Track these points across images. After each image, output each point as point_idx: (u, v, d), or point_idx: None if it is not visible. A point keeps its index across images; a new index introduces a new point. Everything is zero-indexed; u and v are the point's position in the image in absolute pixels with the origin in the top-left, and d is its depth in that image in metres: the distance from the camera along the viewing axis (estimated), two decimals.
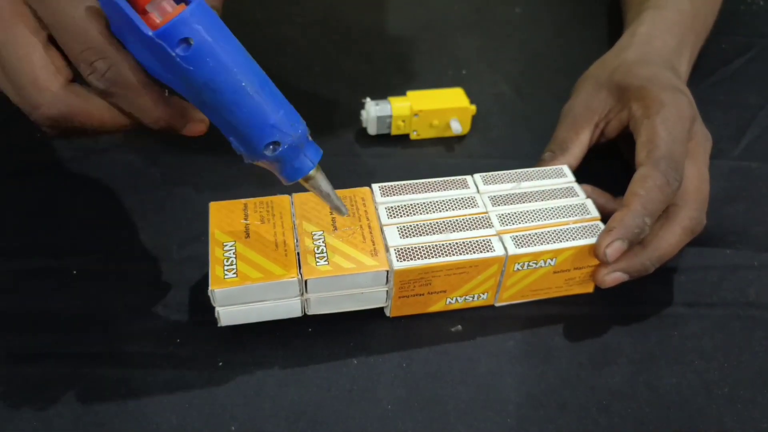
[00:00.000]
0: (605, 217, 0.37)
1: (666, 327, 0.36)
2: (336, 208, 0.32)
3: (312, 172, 0.31)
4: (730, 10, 0.55)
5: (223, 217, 0.35)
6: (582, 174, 0.40)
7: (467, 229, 0.35)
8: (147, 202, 0.41)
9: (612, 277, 0.35)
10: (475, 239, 0.34)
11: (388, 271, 0.33)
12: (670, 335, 0.36)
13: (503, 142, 0.47)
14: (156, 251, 0.39)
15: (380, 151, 0.46)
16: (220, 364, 0.34)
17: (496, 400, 0.33)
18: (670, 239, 0.36)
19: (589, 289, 0.37)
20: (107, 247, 0.39)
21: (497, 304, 0.36)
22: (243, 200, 0.36)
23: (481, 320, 0.36)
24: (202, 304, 0.35)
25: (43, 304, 0.36)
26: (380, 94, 0.47)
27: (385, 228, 0.35)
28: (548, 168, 0.39)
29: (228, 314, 0.33)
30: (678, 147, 0.36)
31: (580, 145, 0.40)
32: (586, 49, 0.53)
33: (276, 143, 0.29)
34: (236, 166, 0.45)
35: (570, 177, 0.38)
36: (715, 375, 0.34)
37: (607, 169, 0.41)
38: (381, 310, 0.36)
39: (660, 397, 0.33)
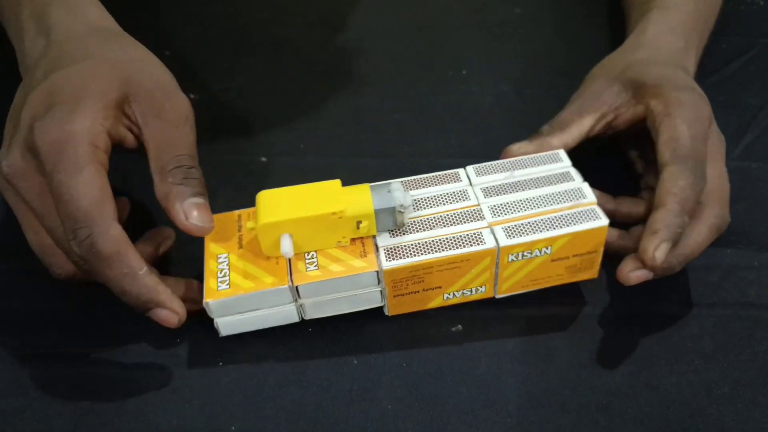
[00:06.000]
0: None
1: (666, 327, 0.36)
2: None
3: None
4: (730, 10, 0.55)
5: (218, 228, 0.35)
6: (582, 174, 0.39)
7: (459, 224, 0.34)
8: (147, 202, 0.41)
9: (637, 275, 0.34)
10: (466, 233, 0.34)
11: (378, 272, 0.33)
12: (670, 335, 0.36)
13: (503, 142, 0.47)
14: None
15: (382, 151, 0.46)
16: (220, 364, 0.34)
17: (497, 400, 0.33)
18: (697, 238, 0.35)
19: (594, 274, 0.36)
20: None
21: (498, 296, 0.36)
22: (237, 211, 0.36)
23: (481, 320, 0.36)
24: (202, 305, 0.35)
25: (43, 304, 0.36)
26: (380, 94, 0.47)
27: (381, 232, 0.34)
28: (543, 154, 0.38)
29: (227, 324, 0.33)
30: (700, 146, 0.35)
31: (579, 127, 0.39)
32: (587, 50, 0.53)
33: None
34: (235, 166, 0.45)
35: (566, 161, 0.37)
36: (716, 375, 0.34)
37: (606, 169, 0.41)
38: (380, 309, 0.36)
39: (660, 396, 0.33)
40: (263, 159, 0.45)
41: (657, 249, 0.33)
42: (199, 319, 0.35)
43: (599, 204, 0.37)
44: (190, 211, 0.31)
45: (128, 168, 0.44)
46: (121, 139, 0.33)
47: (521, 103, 0.50)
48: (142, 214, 0.41)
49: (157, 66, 0.35)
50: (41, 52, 0.34)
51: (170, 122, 0.33)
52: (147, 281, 0.31)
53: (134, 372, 0.33)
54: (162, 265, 0.38)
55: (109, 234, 0.30)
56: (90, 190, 0.30)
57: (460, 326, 0.36)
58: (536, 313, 0.36)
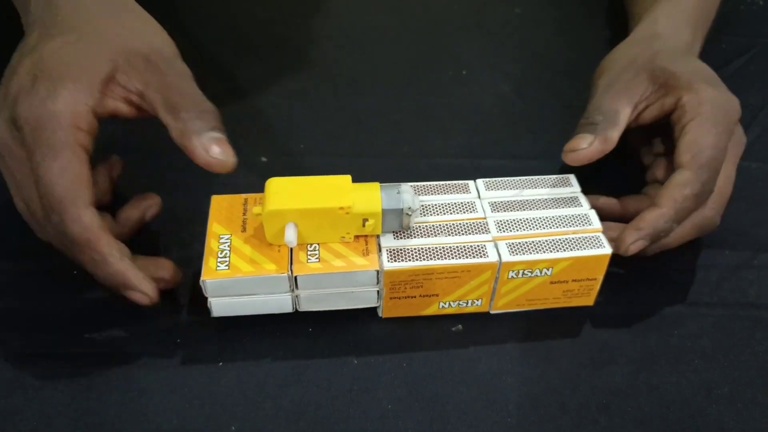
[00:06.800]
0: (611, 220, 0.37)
1: (666, 327, 0.36)
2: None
3: None
4: (730, 10, 0.55)
5: (223, 210, 0.35)
6: (586, 173, 0.39)
7: (463, 234, 0.34)
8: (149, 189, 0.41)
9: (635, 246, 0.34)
10: (469, 244, 0.34)
11: (378, 271, 0.33)
12: (670, 335, 0.36)
13: (504, 142, 0.47)
14: (156, 251, 0.39)
15: (382, 151, 0.46)
16: (221, 364, 0.34)
17: (497, 400, 0.33)
18: (680, 231, 0.36)
19: (590, 302, 0.37)
20: None
21: (492, 312, 0.36)
22: (244, 195, 0.36)
23: (481, 320, 0.36)
24: (202, 304, 0.35)
25: (43, 304, 0.36)
26: (380, 94, 0.47)
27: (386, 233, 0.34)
28: (554, 177, 0.38)
29: (220, 305, 0.34)
30: (720, 155, 0.35)
31: (625, 118, 0.37)
32: (587, 50, 0.53)
33: None
34: (238, 166, 0.45)
35: (576, 187, 0.38)
36: (715, 375, 0.34)
37: (613, 169, 0.41)
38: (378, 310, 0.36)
39: (660, 396, 0.33)
40: (263, 159, 0.45)
41: (634, 243, 0.34)
42: (198, 319, 0.35)
43: (605, 208, 0.37)
44: (210, 146, 0.31)
45: (136, 165, 0.45)
46: (114, 112, 0.33)
47: (521, 103, 0.50)
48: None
49: (156, 33, 0.35)
50: (41, 11, 0.34)
51: (174, 77, 0.33)
52: (117, 267, 0.31)
53: (134, 372, 0.33)
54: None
55: (81, 221, 0.30)
56: (65, 176, 0.30)
57: (460, 326, 0.36)
58: (536, 312, 0.36)
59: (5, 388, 0.32)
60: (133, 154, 0.45)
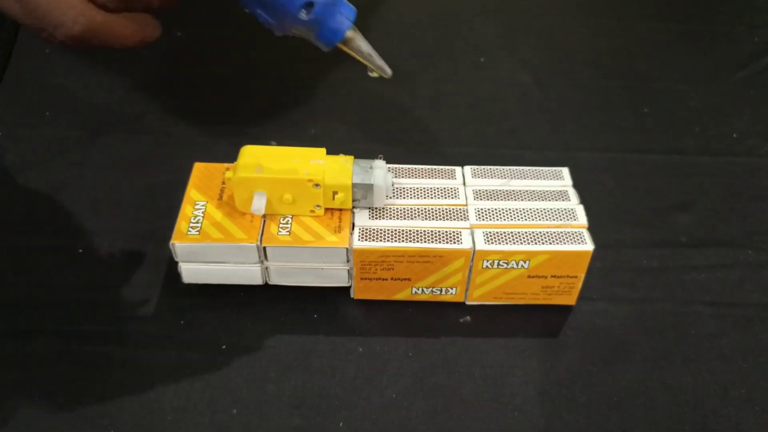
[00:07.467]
0: None
1: (683, 325, 0.35)
2: (380, 68, 0.33)
3: (350, 33, 0.31)
4: (762, 4, 0.53)
5: (203, 177, 0.36)
6: (592, 172, 0.38)
7: (441, 219, 0.34)
8: (154, 183, 0.41)
9: None
10: (445, 230, 0.33)
11: (347, 249, 0.33)
12: (687, 333, 0.35)
13: (520, 132, 0.46)
14: (162, 232, 0.38)
15: (395, 138, 0.45)
16: (224, 347, 0.33)
17: (503, 393, 0.32)
18: None
19: (571, 301, 0.35)
20: (113, 227, 0.39)
21: (468, 303, 0.35)
22: (227, 164, 0.36)
23: (490, 312, 0.35)
24: (206, 288, 0.35)
25: (48, 281, 0.36)
26: (395, 81, 0.46)
27: (356, 208, 0.34)
28: (546, 169, 0.36)
29: (190, 271, 0.34)
30: None
31: None
32: (611, 40, 0.52)
33: (310, 5, 0.29)
34: (239, 147, 0.44)
35: (567, 180, 0.36)
36: (733, 376, 0.33)
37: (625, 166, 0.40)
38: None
39: (674, 396, 0.32)
40: (273, 143, 0.44)
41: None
42: (202, 302, 0.35)
43: None
44: None
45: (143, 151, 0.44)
46: None
47: (540, 93, 0.49)
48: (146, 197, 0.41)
49: None
50: None
51: None
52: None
53: (137, 353, 0.33)
54: (167, 246, 0.38)
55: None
56: None
57: (468, 317, 0.35)
58: (548, 306, 0.36)
59: (8, 365, 0.32)
60: (140, 134, 0.45)
